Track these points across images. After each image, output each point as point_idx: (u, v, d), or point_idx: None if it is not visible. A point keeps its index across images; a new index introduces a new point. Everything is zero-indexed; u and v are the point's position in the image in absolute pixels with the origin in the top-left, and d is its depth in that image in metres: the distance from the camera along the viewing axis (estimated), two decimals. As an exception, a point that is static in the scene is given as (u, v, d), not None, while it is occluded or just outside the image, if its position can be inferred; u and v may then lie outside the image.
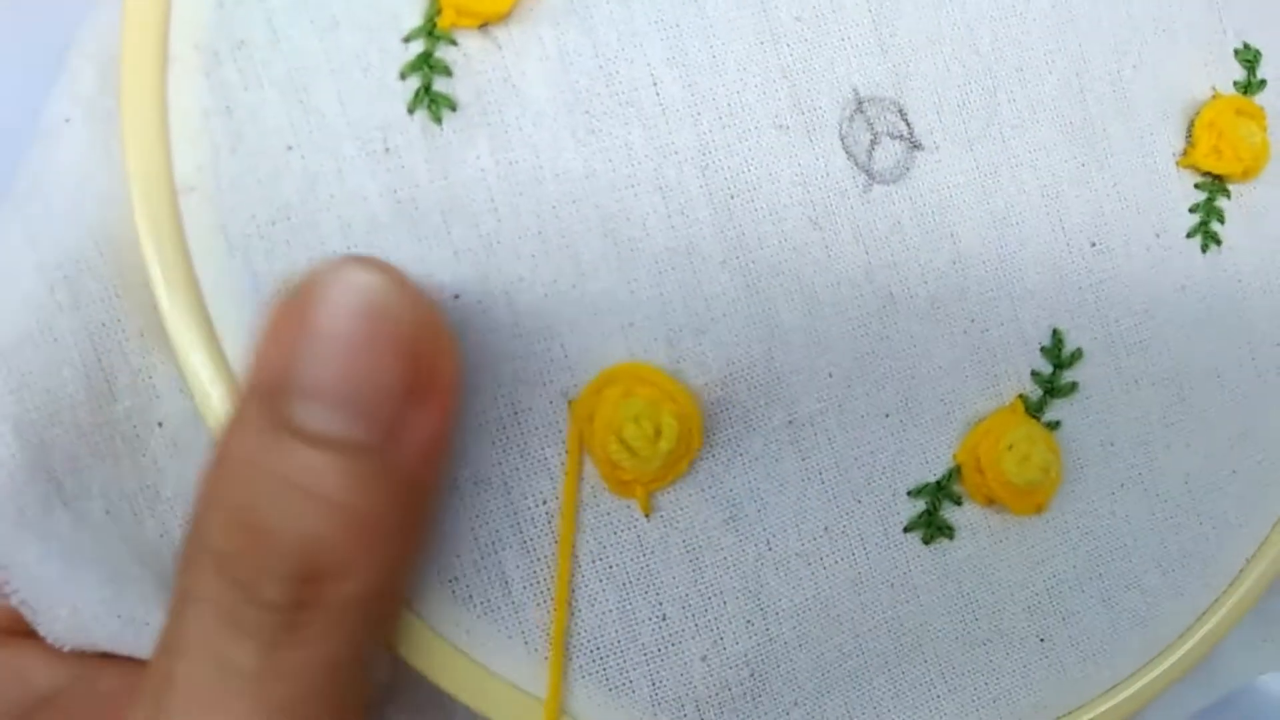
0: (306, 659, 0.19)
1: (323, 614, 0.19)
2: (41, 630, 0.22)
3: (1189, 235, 0.29)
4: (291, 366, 0.19)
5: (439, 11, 0.24)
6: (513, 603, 0.24)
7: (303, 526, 0.19)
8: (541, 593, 0.24)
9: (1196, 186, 0.29)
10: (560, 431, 0.24)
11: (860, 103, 0.27)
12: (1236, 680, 0.31)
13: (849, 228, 0.26)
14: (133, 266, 0.23)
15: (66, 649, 0.23)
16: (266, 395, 0.19)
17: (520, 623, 0.24)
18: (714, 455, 0.25)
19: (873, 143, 0.27)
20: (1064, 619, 0.27)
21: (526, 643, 0.24)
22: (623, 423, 0.23)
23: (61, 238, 0.23)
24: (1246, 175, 0.29)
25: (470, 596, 0.23)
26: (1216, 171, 0.29)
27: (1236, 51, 0.29)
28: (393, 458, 0.20)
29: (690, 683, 0.25)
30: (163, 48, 0.23)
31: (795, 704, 0.25)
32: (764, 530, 0.25)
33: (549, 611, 0.24)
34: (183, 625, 0.20)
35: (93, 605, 0.22)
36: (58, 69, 0.24)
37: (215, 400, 0.22)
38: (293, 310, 0.20)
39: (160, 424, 0.23)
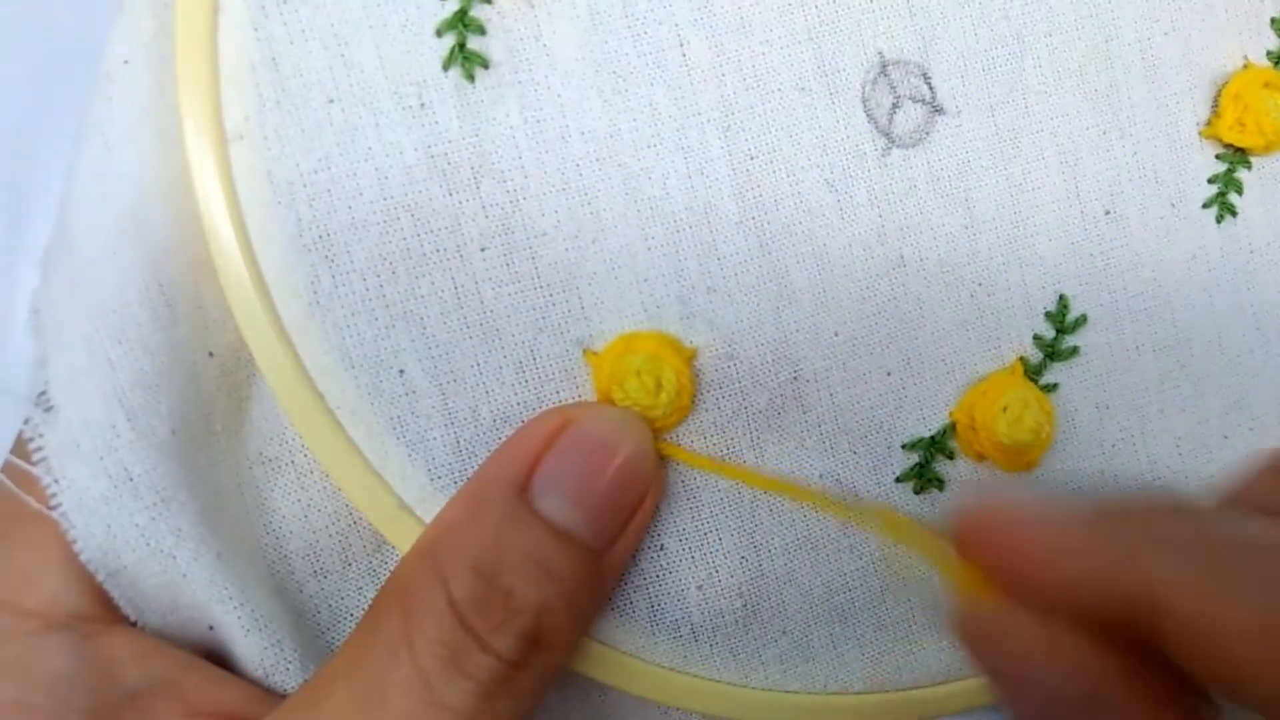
0: (505, 713, 0.23)
1: (530, 676, 0.23)
2: (76, 547, 0.24)
3: (1205, 205, 0.29)
4: (558, 469, 0.24)
5: (475, -31, 0.25)
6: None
7: (540, 596, 0.23)
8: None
9: (1218, 158, 0.29)
10: (572, 375, 0.26)
11: (885, 66, 0.27)
12: None
13: (864, 190, 0.27)
14: (191, 200, 0.25)
15: (100, 575, 0.24)
16: (522, 479, 0.24)
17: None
18: (719, 406, 0.26)
19: (894, 106, 0.27)
20: (1045, 568, 0.29)
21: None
22: (625, 375, 0.25)
23: (123, 170, 0.25)
24: (1269, 149, 0.29)
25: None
26: (1239, 144, 0.29)
27: (1274, 20, 0.29)
28: (601, 563, 0.24)
29: (686, 608, 0.27)
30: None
31: (783, 633, 0.28)
32: (759, 475, 0.27)
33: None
34: (403, 656, 0.22)
35: (126, 529, 0.24)
36: (115, 12, 0.25)
37: (256, 337, 0.24)
38: (560, 420, 0.24)
39: (211, 354, 0.25)
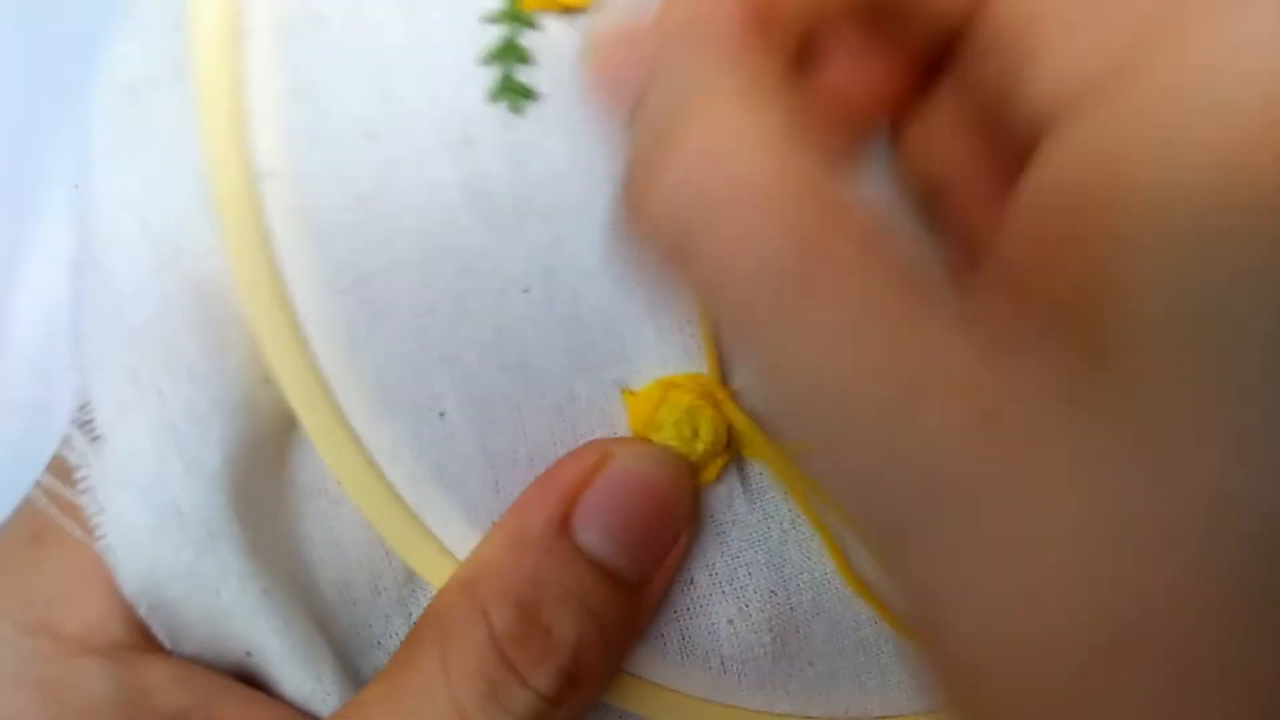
0: None
1: (564, 714, 0.23)
2: (119, 579, 0.24)
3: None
4: (590, 500, 0.24)
5: (522, -6, 0.23)
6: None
7: (579, 633, 0.23)
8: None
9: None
10: (609, 416, 0.25)
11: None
12: None
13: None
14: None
15: (141, 609, 0.24)
16: (563, 513, 0.23)
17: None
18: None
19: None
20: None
21: (571, 603, 0.26)
22: (663, 424, 0.25)
23: (160, 199, 0.24)
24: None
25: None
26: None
27: None
28: (639, 595, 0.24)
29: (717, 641, 0.27)
30: (235, 21, 0.23)
31: (810, 664, 0.28)
32: (789, 510, 0.27)
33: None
34: (439, 686, 0.22)
35: (172, 564, 0.24)
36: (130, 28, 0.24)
37: (291, 380, 0.24)
38: (599, 454, 0.24)
39: (266, 380, 0.25)
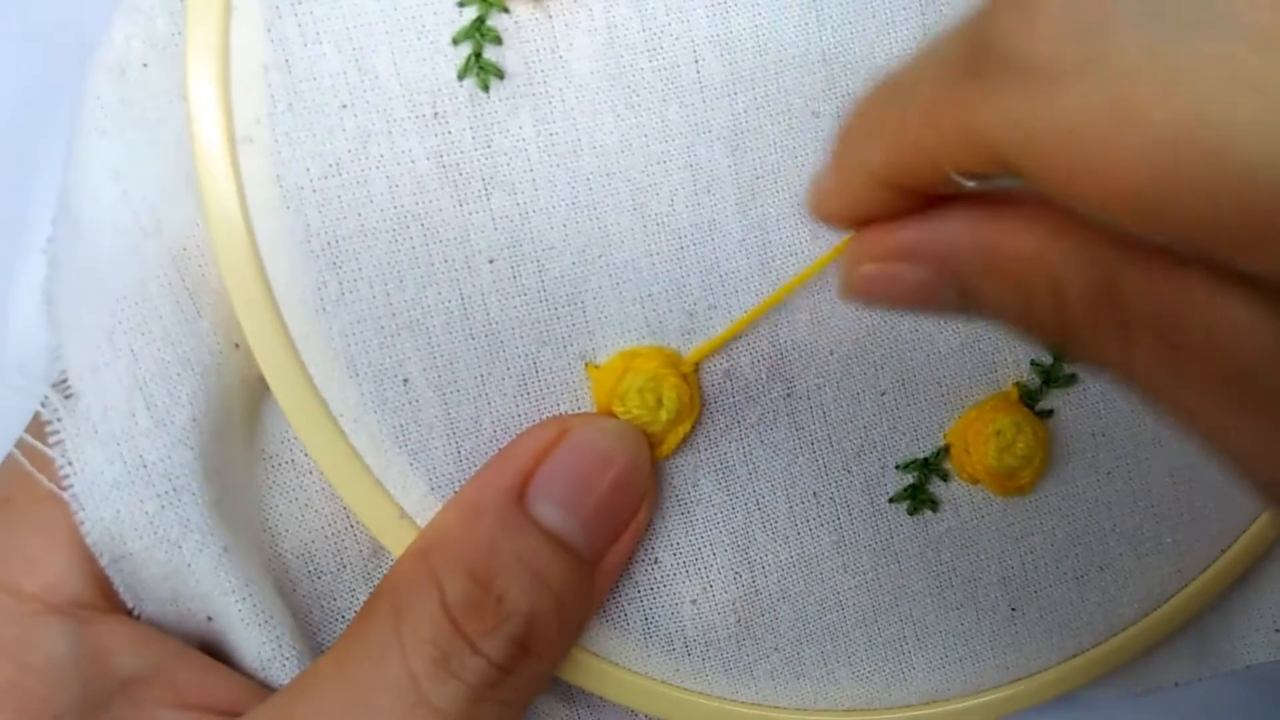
0: (494, 716, 0.23)
1: (515, 682, 0.23)
2: (83, 530, 0.24)
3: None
4: (555, 475, 0.24)
5: (493, -21, 0.25)
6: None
7: (531, 602, 0.23)
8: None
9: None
10: (573, 388, 0.26)
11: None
12: (1240, 661, 0.33)
13: (869, 213, 0.27)
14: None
15: (103, 559, 0.24)
16: (519, 486, 0.24)
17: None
18: (713, 421, 0.27)
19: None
20: (1036, 592, 0.29)
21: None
22: (626, 392, 0.25)
23: (145, 173, 0.25)
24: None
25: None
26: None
27: None
28: (594, 572, 0.25)
29: (680, 622, 0.27)
30: None
31: (775, 649, 0.28)
32: (754, 492, 0.27)
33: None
34: (393, 656, 0.23)
35: (135, 515, 0.24)
36: (123, 8, 0.25)
37: (261, 339, 0.24)
38: (557, 429, 0.25)
39: (237, 345, 0.25)
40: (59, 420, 0.24)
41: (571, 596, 0.24)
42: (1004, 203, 0.20)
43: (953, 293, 0.21)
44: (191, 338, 0.25)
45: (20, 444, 0.25)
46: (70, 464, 0.24)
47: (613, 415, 0.26)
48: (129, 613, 0.25)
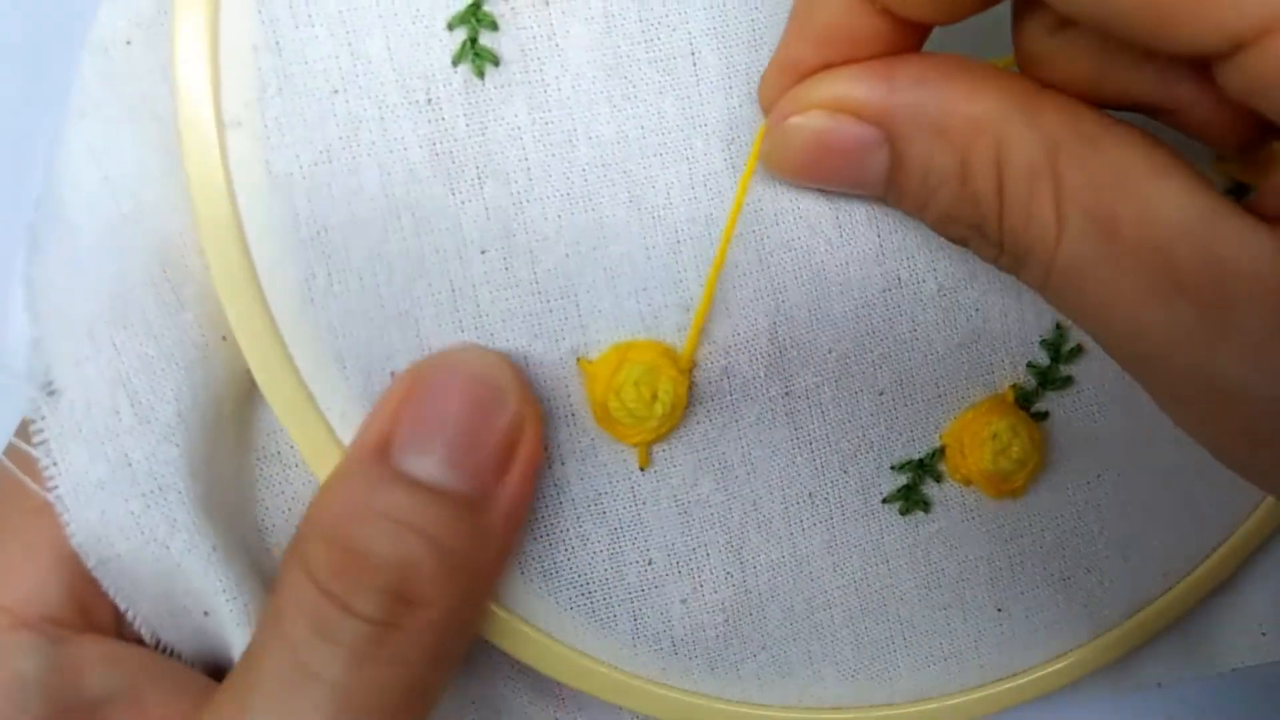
0: (386, 678, 0.22)
1: (406, 637, 0.22)
2: (69, 531, 0.24)
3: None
4: (412, 424, 0.23)
5: (489, -37, 0.24)
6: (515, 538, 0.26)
7: (399, 551, 0.22)
8: (538, 529, 0.26)
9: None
10: (565, 383, 0.25)
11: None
12: (1227, 663, 0.33)
13: (864, 210, 0.27)
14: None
15: (90, 561, 0.24)
16: (381, 444, 0.23)
17: (518, 555, 0.26)
18: (710, 420, 0.26)
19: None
20: (1022, 593, 0.29)
21: (522, 573, 0.26)
22: (622, 386, 0.25)
23: (125, 156, 0.24)
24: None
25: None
26: (1243, 179, 0.29)
27: None
28: (483, 512, 0.23)
29: (669, 621, 0.27)
30: None
31: (763, 648, 0.28)
32: (751, 492, 0.27)
33: (544, 545, 0.26)
34: (272, 632, 0.22)
35: (121, 515, 0.24)
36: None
37: (248, 329, 0.24)
38: (418, 379, 0.23)
39: (224, 337, 0.25)
40: (43, 419, 0.23)
41: (454, 538, 0.22)
42: (953, 69, 0.21)
43: (883, 159, 0.21)
44: (175, 331, 0.24)
45: (9, 449, 0.25)
46: (55, 464, 0.23)
47: (608, 411, 0.25)
48: (106, 629, 0.25)
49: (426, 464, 0.22)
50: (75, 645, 0.24)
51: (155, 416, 0.24)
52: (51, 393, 0.24)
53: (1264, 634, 0.32)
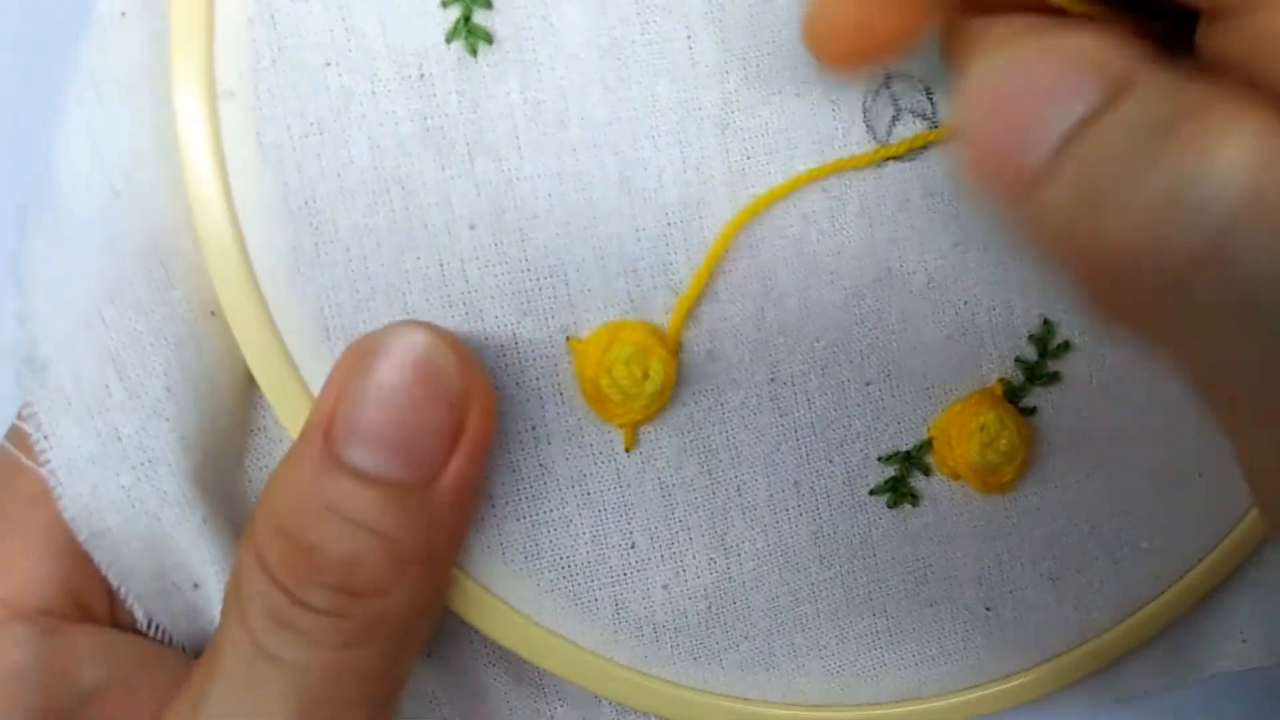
0: (342, 662, 0.22)
1: (364, 625, 0.22)
2: (61, 504, 0.24)
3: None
4: (349, 411, 0.22)
5: (486, -58, 0.24)
6: (495, 516, 0.25)
7: (345, 547, 0.22)
8: (521, 509, 0.26)
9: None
10: (554, 361, 0.25)
11: (888, 77, 0.27)
12: (1208, 670, 0.32)
13: (857, 199, 0.27)
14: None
15: (82, 535, 0.24)
16: (325, 434, 0.22)
17: (500, 535, 0.25)
18: (696, 403, 0.26)
19: (894, 118, 0.27)
20: (1011, 592, 0.29)
21: (504, 554, 0.26)
22: (613, 363, 0.24)
23: (118, 131, 0.24)
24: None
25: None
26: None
27: None
28: (429, 497, 0.23)
29: (651, 607, 0.27)
30: None
31: (746, 638, 0.27)
32: (736, 478, 0.27)
33: (527, 525, 0.26)
34: (232, 619, 0.22)
35: (112, 489, 0.24)
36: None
37: (234, 299, 0.24)
38: (355, 361, 0.22)
39: (213, 313, 0.25)
40: (33, 394, 0.23)
41: (400, 529, 0.22)
42: None
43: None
44: (164, 307, 0.24)
45: (10, 434, 0.25)
46: (46, 438, 0.23)
47: (599, 389, 0.25)
48: (101, 618, 0.25)
49: (367, 454, 0.22)
50: (69, 636, 0.24)
51: (145, 391, 0.24)
52: (39, 368, 0.24)
53: (1244, 640, 0.32)
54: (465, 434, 0.23)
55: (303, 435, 0.23)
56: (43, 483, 0.24)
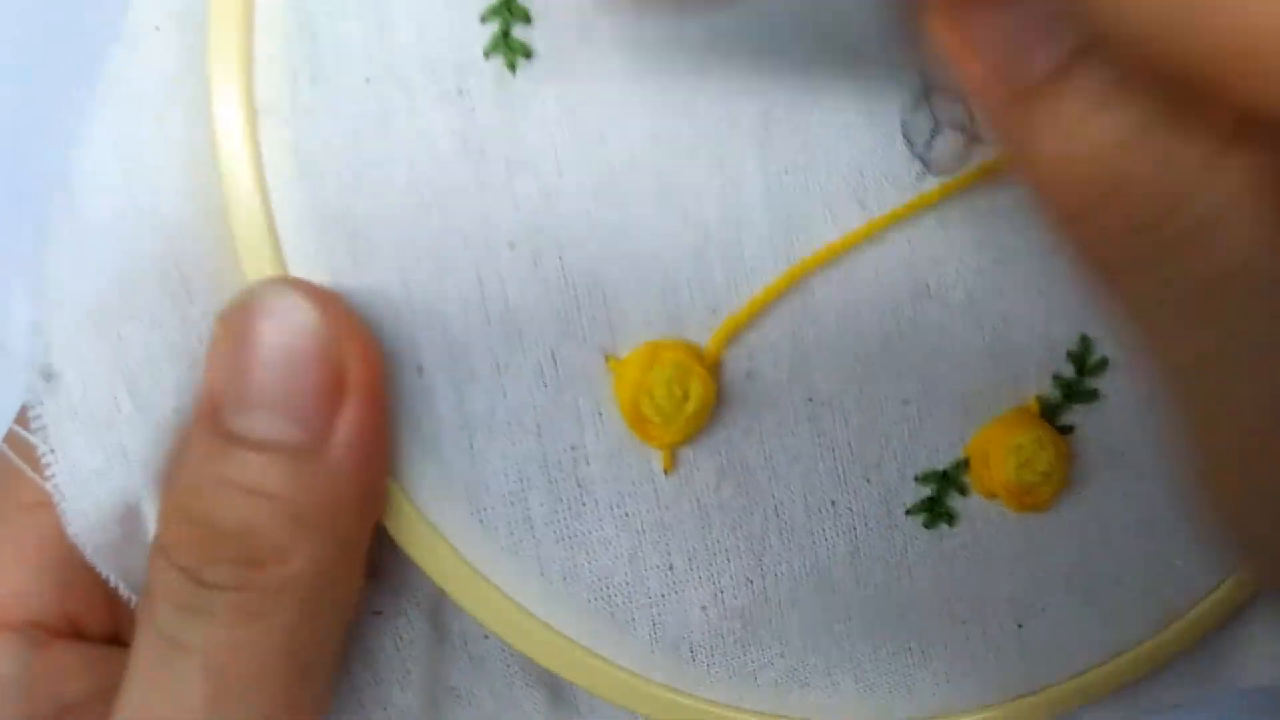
0: (256, 635, 0.22)
1: (269, 594, 0.22)
2: (64, 521, 0.23)
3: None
4: (230, 380, 0.22)
5: (523, -47, 0.24)
6: (534, 538, 0.25)
7: (241, 517, 0.21)
8: (560, 530, 0.25)
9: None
10: (592, 381, 0.25)
11: (927, 91, 0.27)
12: (1240, 683, 0.32)
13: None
14: (213, 176, 0.24)
15: (87, 550, 0.24)
16: (211, 408, 0.22)
17: (539, 557, 0.25)
18: (734, 423, 0.26)
19: (933, 132, 0.27)
20: (1044, 609, 0.29)
21: (543, 575, 0.25)
22: (654, 384, 0.24)
23: (146, 145, 0.24)
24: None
25: (496, 529, 0.25)
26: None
27: None
28: (324, 453, 0.22)
29: (688, 628, 0.26)
30: None
31: (780, 656, 0.27)
32: (773, 498, 0.26)
33: (566, 548, 0.25)
34: (143, 620, 0.22)
35: (114, 505, 0.23)
36: None
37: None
38: (229, 329, 0.22)
39: None
40: (40, 404, 0.23)
41: (295, 491, 0.22)
42: None
43: None
44: (181, 323, 0.24)
45: (9, 438, 0.24)
46: (52, 451, 0.23)
47: (639, 410, 0.25)
48: (94, 633, 0.25)
49: (251, 421, 0.22)
50: (56, 649, 0.24)
51: (154, 408, 0.24)
52: (50, 377, 0.24)
53: (1277, 654, 0.32)
54: (350, 385, 0.22)
55: (195, 417, 0.23)
56: (41, 491, 0.24)
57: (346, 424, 0.22)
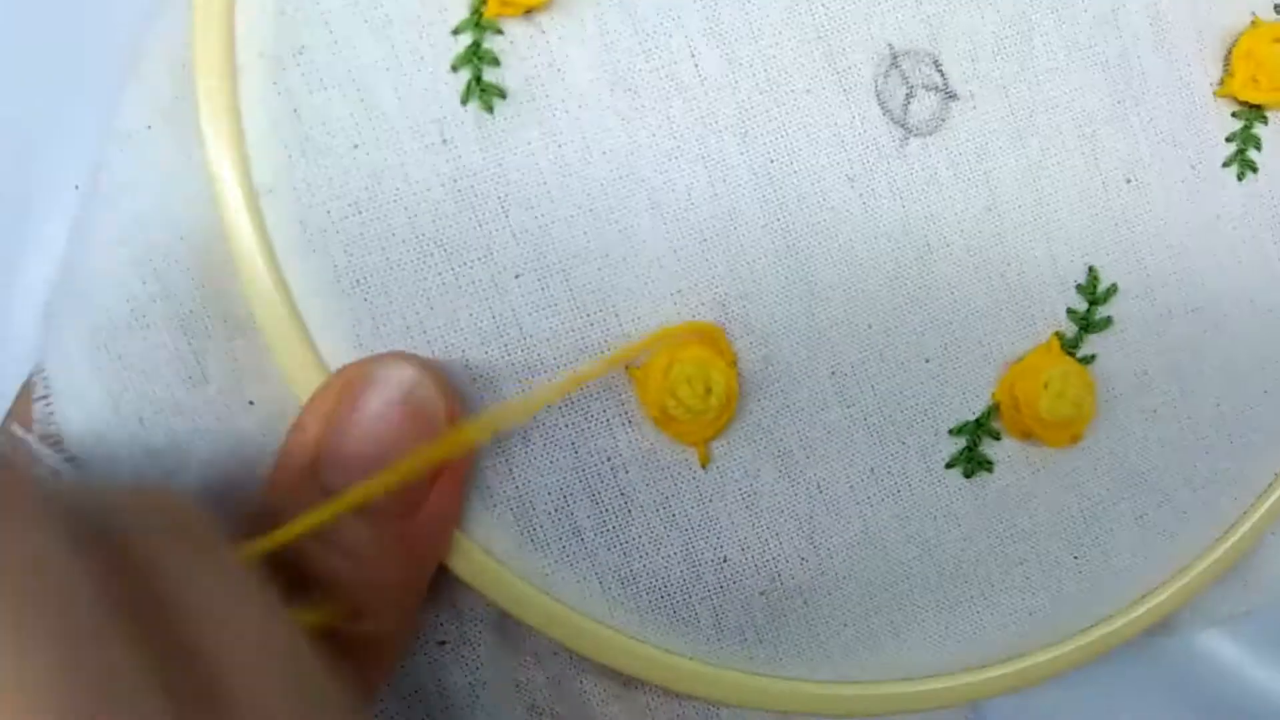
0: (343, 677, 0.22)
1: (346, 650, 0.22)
2: None
3: (1225, 165, 0.29)
4: (337, 441, 0.23)
5: (484, 2, 0.25)
6: (586, 549, 0.26)
7: (324, 570, 0.22)
8: (610, 539, 0.26)
9: (1234, 115, 0.29)
10: (616, 392, 0.26)
11: (895, 57, 0.27)
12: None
13: (885, 182, 0.27)
14: (218, 257, 0.25)
15: None
16: (310, 462, 0.23)
17: (594, 566, 0.26)
18: (762, 409, 0.27)
19: (908, 96, 0.27)
20: (1097, 538, 0.29)
21: (601, 584, 0.26)
22: (675, 384, 0.25)
23: (151, 237, 0.25)
24: (1284, 101, 0.29)
25: (549, 545, 0.26)
26: (1254, 101, 0.29)
27: None
28: (410, 528, 0.23)
29: (750, 614, 0.27)
30: (231, 59, 0.24)
31: (845, 625, 0.28)
32: (814, 475, 0.27)
33: (619, 554, 0.26)
34: None
35: None
36: (127, 75, 0.25)
37: (304, 383, 0.24)
38: (342, 392, 0.23)
39: (251, 403, 0.26)
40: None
41: (380, 555, 0.23)
42: None
43: None
44: (203, 404, 0.25)
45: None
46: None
47: (666, 412, 0.25)
48: None
49: (351, 481, 0.22)
50: None
51: (183, 486, 0.25)
52: (70, 459, 0.25)
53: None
54: (447, 467, 0.23)
55: (282, 462, 0.23)
56: None
57: (434, 503, 0.23)
